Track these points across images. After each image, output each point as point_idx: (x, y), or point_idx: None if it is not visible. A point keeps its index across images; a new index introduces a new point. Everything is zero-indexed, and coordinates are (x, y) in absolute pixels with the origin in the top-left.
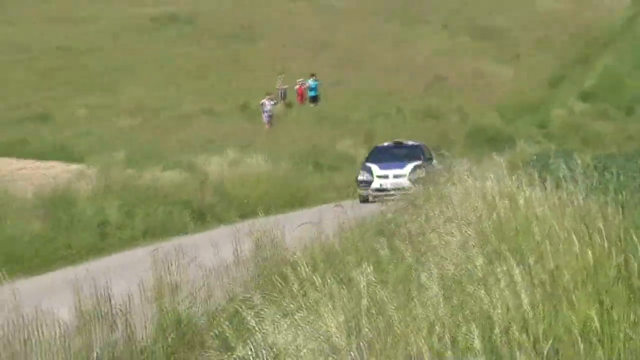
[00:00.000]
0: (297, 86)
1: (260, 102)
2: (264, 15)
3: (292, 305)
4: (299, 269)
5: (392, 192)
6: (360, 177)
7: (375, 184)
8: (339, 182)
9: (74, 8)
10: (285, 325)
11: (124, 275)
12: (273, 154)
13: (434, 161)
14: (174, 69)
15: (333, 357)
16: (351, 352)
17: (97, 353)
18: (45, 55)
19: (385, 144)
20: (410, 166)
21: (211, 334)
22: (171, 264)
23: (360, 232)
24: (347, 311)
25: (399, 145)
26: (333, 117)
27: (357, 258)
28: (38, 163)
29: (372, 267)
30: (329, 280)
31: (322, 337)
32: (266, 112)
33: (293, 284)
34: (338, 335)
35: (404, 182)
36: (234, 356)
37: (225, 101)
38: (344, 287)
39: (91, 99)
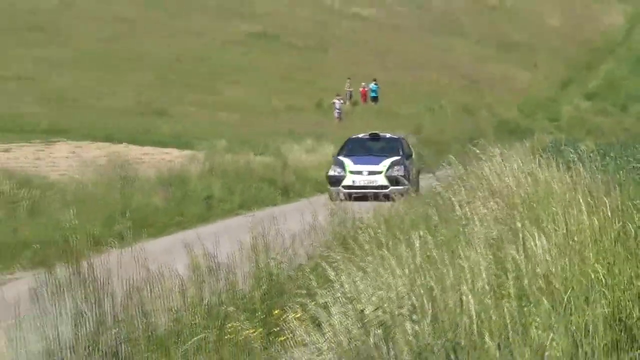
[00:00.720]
0: (361, 88)
1: (332, 101)
2: (334, 31)
3: (362, 263)
4: (366, 232)
5: (366, 191)
6: (330, 172)
7: (348, 180)
8: None
9: (188, 25)
10: (358, 277)
11: (227, 238)
12: (342, 142)
13: (414, 156)
14: (264, 74)
15: (396, 303)
16: (411, 299)
17: (207, 299)
18: (164, 63)
19: (360, 135)
20: (387, 162)
21: (297, 284)
22: (264, 228)
23: (412, 204)
24: (406, 266)
25: (375, 137)
26: (389, 113)
27: (412, 224)
28: (158, 149)
29: (424, 231)
30: (390, 242)
31: (387, 286)
32: (336, 109)
33: (362, 244)
34: (400, 285)
35: (380, 179)
36: (316, 301)
37: (304, 100)
38: (404, 246)
39: (199, 98)
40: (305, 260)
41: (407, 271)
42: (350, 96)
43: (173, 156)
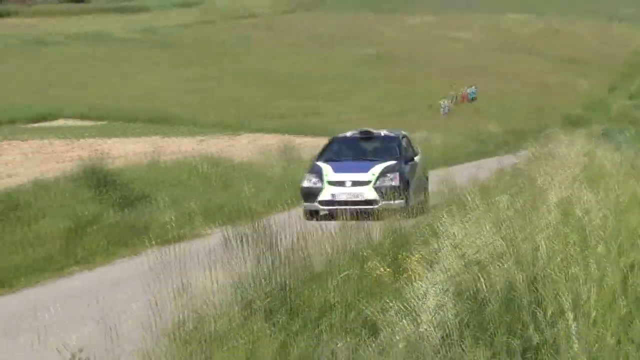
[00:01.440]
0: (462, 92)
1: (439, 102)
2: (437, 51)
3: (464, 218)
4: (466, 197)
5: (350, 207)
6: (304, 183)
7: (326, 194)
8: (489, 148)
9: (330, 50)
10: (461, 230)
11: None
12: (448, 133)
13: (418, 158)
14: (381, 85)
15: (487, 247)
16: (498, 245)
17: (351, 247)
18: (312, 78)
19: (348, 133)
20: (377, 168)
21: (416, 235)
22: None
23: (499, 176)
24: (497, 221)
25: (367, 136)
26: (482, 111)
27: (501, 190)
28: (312, 139)
29: (510, 196)
30: (484, 203)
31: (481, 236)
32: (443, 108)
33: (464, 205)
34: (492, 234)
35: (367, 192)
36: (430, 247)
37: (416, 103)
38: (495, 206)
39: (336, 103)
40: (420, 219)
41: (497, 225)
42: (455, 98)
43: (324, 144)
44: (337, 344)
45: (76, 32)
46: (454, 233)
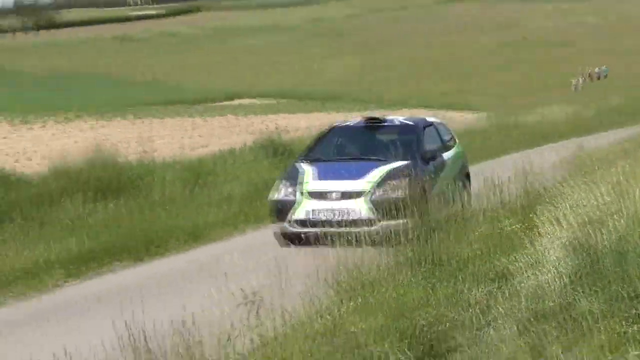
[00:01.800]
0: (596, 70)
1: (571, 80)
2: (566, 36)
3: (583, 181)
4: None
5: (334, 230)
6: (274, 195)
7: (301, 210)
8: (615, 121)
9: (461, 37)
10: (580, 191)
11: (500, 169)
12: (577, 108)
13: (450, 153)
14: (520, 65)
15: (603, 206)
16: (613, 206)
17: (486, 206)
18: (445, 62)
19: (351, 122)
20: (377, 173)
21: (545, 197)
22: (527, 162)
23: (620, 144)
24: (611, 183)
25: (375, 124)
26: (609, 88)
27: (620, 157)
28: (458, 113)
29: (626, 162)
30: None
31: (598, 196)
32: (575, 86)
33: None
34: (607, 196)
35: (359, 207)
36: (554, 207)
37: (549, 82)
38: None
39: (481, 81)
40: (550, 181)
41: (613, 187)
42: (589, 76)
43: (468, 117)
44: (473, 292)
45: (257, 24)
46: (575, 194)
